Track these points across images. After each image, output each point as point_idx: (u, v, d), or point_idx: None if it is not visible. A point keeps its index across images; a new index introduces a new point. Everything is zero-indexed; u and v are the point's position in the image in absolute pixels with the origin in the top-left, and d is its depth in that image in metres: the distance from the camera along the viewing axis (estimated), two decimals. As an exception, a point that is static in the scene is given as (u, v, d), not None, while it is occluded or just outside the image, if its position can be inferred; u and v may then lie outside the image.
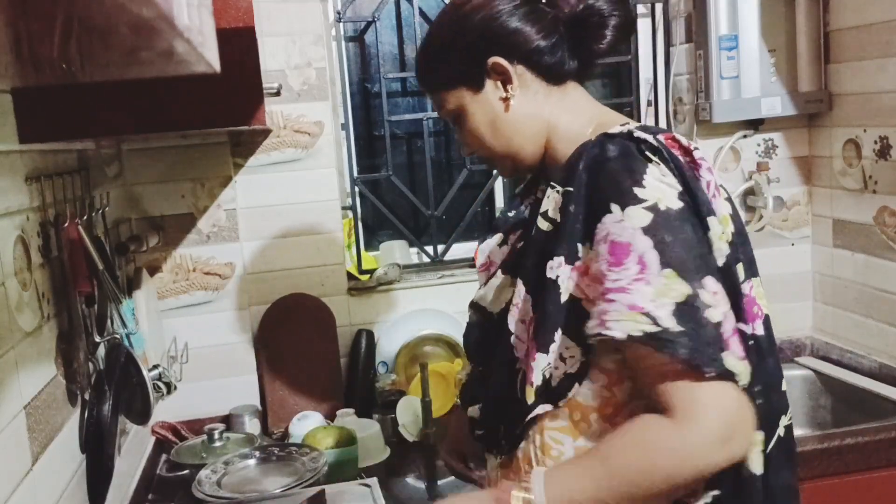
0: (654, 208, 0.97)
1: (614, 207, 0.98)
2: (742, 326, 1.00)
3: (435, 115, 2.43)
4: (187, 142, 2.10)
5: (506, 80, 1.13)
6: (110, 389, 1.52)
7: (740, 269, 1.03)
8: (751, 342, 1.01)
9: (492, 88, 1.14)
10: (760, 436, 1.01)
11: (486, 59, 1.12)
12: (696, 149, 1.05)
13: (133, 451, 1.87)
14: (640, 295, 0.95)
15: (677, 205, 0.99)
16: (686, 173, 1.01)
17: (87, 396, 1.49)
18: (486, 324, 1.20)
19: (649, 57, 2.52)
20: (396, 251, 2.44)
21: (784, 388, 1.07)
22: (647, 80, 2.54)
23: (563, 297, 1.03)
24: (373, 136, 2.50)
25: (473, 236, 2.55)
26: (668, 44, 2.50)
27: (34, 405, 1.24)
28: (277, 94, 1.94)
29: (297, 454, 1.85)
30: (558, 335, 1.04)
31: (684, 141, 1.06)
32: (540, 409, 1.07)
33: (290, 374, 2.19)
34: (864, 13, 2.15)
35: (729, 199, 1.08)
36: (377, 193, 2.47)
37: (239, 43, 1.36)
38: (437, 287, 2.33)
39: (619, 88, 2.61)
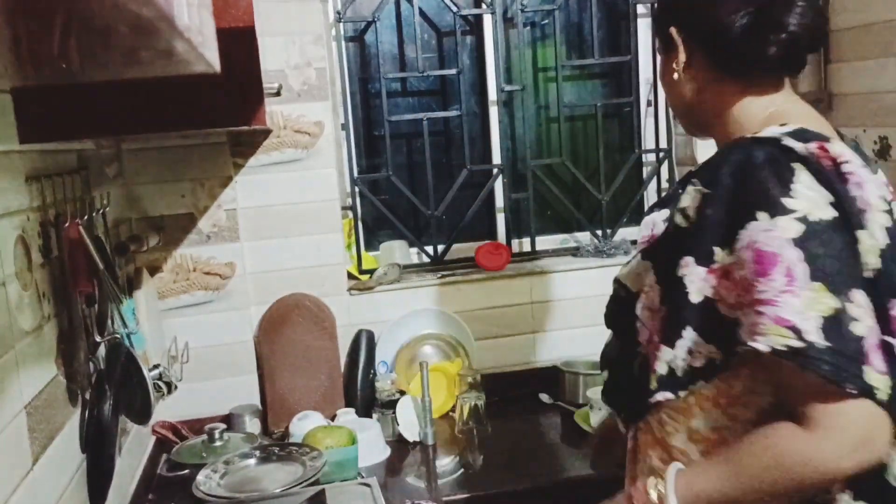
0: (804, 219, 0.97)
1: (761, 216, 0.98)
2: (888, 339, 1.00)
3: (435, 115, 2.43)
4: (187, 142, 2.10)
5: (676, 52, 1.16)
6: (111, 389, 1.52)
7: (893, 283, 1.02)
8: None
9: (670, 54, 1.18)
10: None
11: (668, 27, 1.16)
12: (846, 162, 1.03)
13: (133, 450, 1.87)
14: (788, 308, 0.95)
15: (828, 216, 0.98)
16: (836, 184, 1.00)
17: (87, 396, 1.50)
18: (623, 298, 1.22)
19: (649, 57, 2.52)
20: (396, 251, 2.44)
21: None
22: (647, 80, 2.55)
23: (694, 298, 1.05)
24: (373, 136, 2.51)
25: (473, 236, 2.55)
26: (668, 44, 2.49)
27: (34, 405, 1.25)
28: (277, 94, 1.94)
29: (297, 454, 1.85)
30: (688, 332, 1.06)
31: (835, 151, 1.03)
32: (660, 396, 1.10)
33: (290, 374, 2.19)
34: (864, 13, 2.15)
35: (890, 212, 1.05)
36: (377, 193, 2.47)
37: (239, 43, 1.36)
38: (437, 287, 2.33)
39: (619, 88, 2.61)
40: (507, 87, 2.46)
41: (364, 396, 2.20)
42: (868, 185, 1.02)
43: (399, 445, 2.05)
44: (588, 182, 2.52)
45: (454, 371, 2.21)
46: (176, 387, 1.83)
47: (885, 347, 0.98)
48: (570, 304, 2.38)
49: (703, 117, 1.20)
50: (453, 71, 2.43)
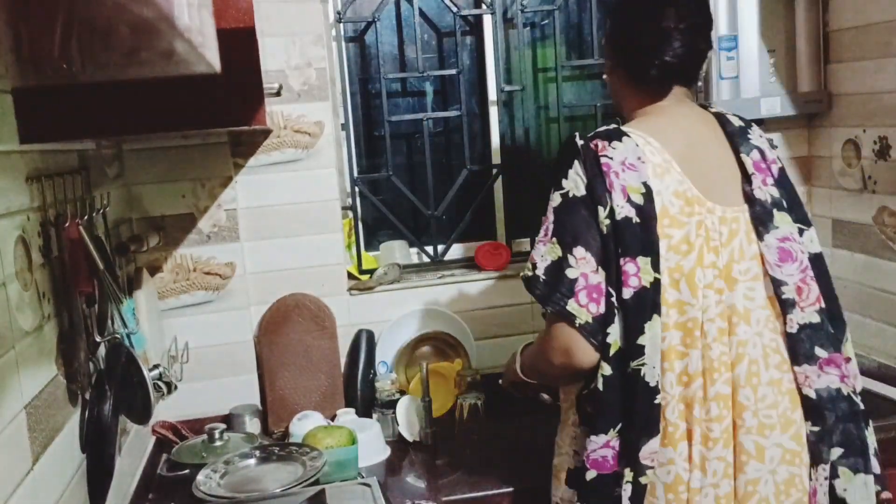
0: (565, 195, 1.41)
1: (552, 191, 1.44)
2: (611, 289, 1.37)
3: (435, 115, 2.44)
4: (187, 142, 2.10)
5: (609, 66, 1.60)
6: (111, 389, 1.52)
7: (619, 248, 1.36)
8: (613, 298, 1.37)
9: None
10: (607, 368, 1.37)
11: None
12: (605, 156, 1.40)
13: (133, 450, 1.87)
14: (537, 251, 1.43)
15: (580, 193, 1.40)
16: (592, 172, 1.39)
17: (87, 396, 1.50)
18: None
19: (649, 57, 2.52)
20: (396, 251, 2.44)
21: (641, 341, 1.35)
22: (647, 80, 2.54)
23: None
24: (373, 136, 2.51)
25: (473, 236, 2.55)
26: (668, 44, 2.50)
27: (35, 405, 1.25)
28: (278, 94, 1.94)
29: (298, 454, 1.85)
30: None
31: (601, 145, 1.41)
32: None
33: (290, 374, 2.19)
34: (864, 13, 2.16)
35: (648, 194, 1.38)
36: (377, 193, 2.47)
37: (239, 43, 1.36)
38: (437, 287, 2.33)
39: (619, 88, 2.61)
40: (507, 88, 2.46)
41: (364, 396, 2.20)
42: (624, 174, 1.38)
43: (399, 445, 2.05)
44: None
45: (454, 371, 2.21)
46: (176, 387, 1.83)
47: (607, 295, 1.37)
48: (569, 305, 2.38)
49: (617, 109, 1.63)
50: (453, 71, 2.44)
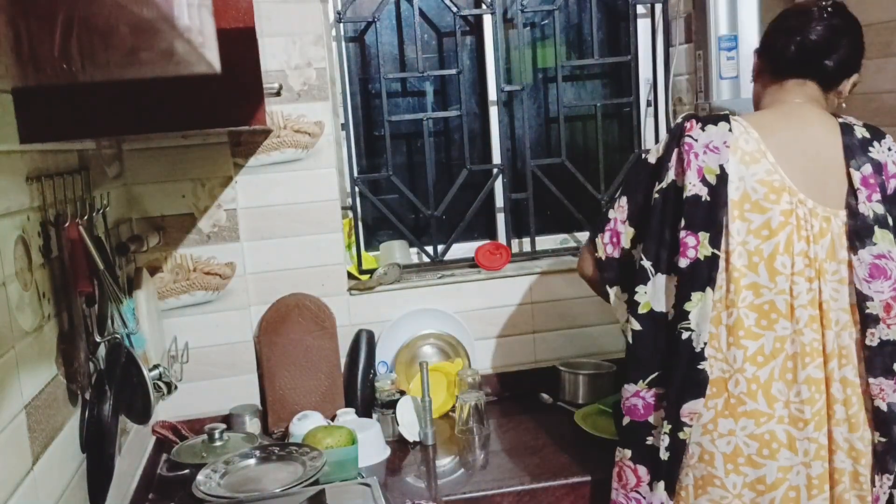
0: (640, 156, 1.64)
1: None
2: (644, 260, 1.54)
3: (435, 115, 2.44)
4: (187, 142, 2.10)
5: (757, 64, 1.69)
6: (111, 389, 1.52)
7: (682, 221, 1.49)
8: (646, 262, 1.54)
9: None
10: (636, 323, 1.55)
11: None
12: (689, 136, 1.51)
13: (133, 450, 1.87)
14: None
15: (653, 160, 1.57)
16: (669, 147, 1.53)
17: (87, 396, 1.50)
18: None
19: (649, 57, 2.53)
20: (396, 251, 2.44)
21: (687, 307, 1.49)
22: (647, 80, 2.55)
23: None
24: (373, 136, 2.51)
25: (473, 236, 2.55)
26: (668, 44, 2.50)
27: (35, 405, 1.25)
28: (278, 94, 1.94)
29: (298, 454, 1.85)
30: None
31: (690, 125, 1.52)
32: None
33: (290, 374, 2.19)
34: (864, 13, 2.15)
35: (722, 177, 1.48)
36: (377, 193, 2.47)
37: (239, 43, 1.36)
38: (437, 287, 2.33)
39: (620, 88, 2.61)
40: (507, 88, 2.46)
41: (364, 396, 2.20)
42: (704, 156, 1.49)
43: (399, 445, 2.05)
44: (588, 182, 2.52)
45: (454, 371, 2.22)
46: (176, 387, 1.82)
47: (624, 250, 1.60)
48: (570, 304, 2.38)
49: (756, 107, 1.69)
50: (453, 71, 2.43)
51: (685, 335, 1.49)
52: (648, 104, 2.55)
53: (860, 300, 1.48)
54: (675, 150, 1.52)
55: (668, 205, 1.52)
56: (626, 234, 1.59)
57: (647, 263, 1.53)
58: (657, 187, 1.53)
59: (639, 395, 1.55)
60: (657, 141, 2.54)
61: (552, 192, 2.51)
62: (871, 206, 1.50)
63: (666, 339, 1.52)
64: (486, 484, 1.82)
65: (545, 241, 2.56)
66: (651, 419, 1.55)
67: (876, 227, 1.49)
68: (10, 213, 1.22)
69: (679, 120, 1.60)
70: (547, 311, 2.39)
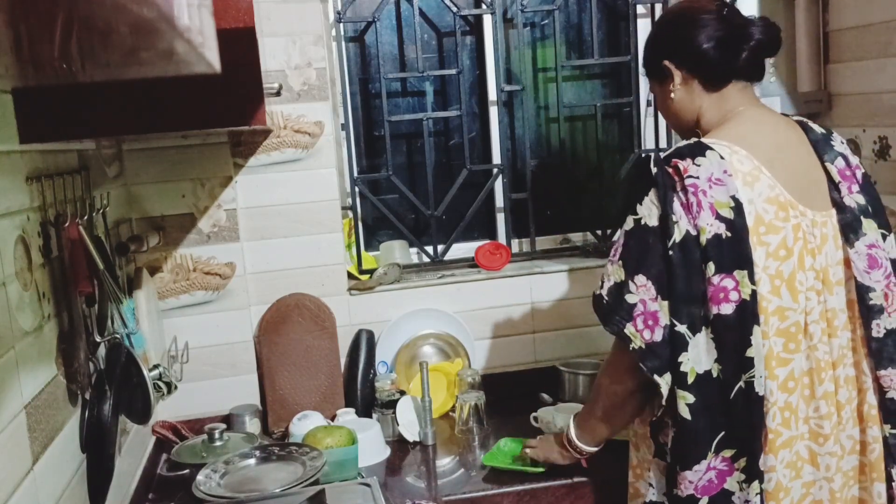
0: (638, 221, 1.42)
1: (627, 216, 1.45)
2: (676, 323, 1.39)
3: (435, 115, 2.44)
4: (187, 142, 2.10)
5: (671, 78, 1.54)
6: (111, 389, 1.52)
7: (711, 266, 1.37)
8: (681, 328, 1.40)
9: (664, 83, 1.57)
10: (689, 396, 1.40)
11: (661, 62, 1.55)
12: (690, 176, 1.38)
13: (133, 450, 1.87)
14: (606, 270, 1.47)
15: (653, 223, 1.41)
16: (667, 197, 1.39)
17: (87, 396, 1.50)
18: None
19: (649, 57, 2.52)
20: (396, 251, 2.44)
21: (750, 353, 1.38)
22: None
23: None
24: (373, 136, 2.51)
25: (473, 236, 2.55)
26: (668, 44, 2.50)
27: (34, 405, 1.25)
28: (278, 94, 1.94)
29: (298, 454, 1.85)
30: None
31: (683, 166, 1.39)
32: None
33: (290, 374, 2.19)
34: (864, 13, 2.16)
35: (737, 208, 1.37)
36: (377, 193, 2.47)
37: (239, 43, 1.36)
38: (437, 287, 2.33)
39: (619, 88, 2.61)
40: (507, 87, 2.46)
41: (364, 396, 2.20)
42: (711, 191, 1.37)
43: (399, 445, 2.05)
44: (588, 182, 2.52)
45: (454, 371, 2.22)
46: (176, 387, 1.83)
47: (669, 326, 1.39)
48: (570, 304, 2.38)
49: (688, 124, 1.57)
50: (453, 71, 2.44)
51: (755, 384, 1.38)
52: (648, 104, 2.55)
53: (862, 292, 1.44)
54: (676, 198, 1.38)
55: (688, 256, 1.37)
56: (663, 309, 1.40)
57: (682, 328, 1.38)
58: (669, 243, 1.38)
59: (711, 468, 1.41)
60: (657, 141, 2.55)
61: (552, 192, 2.51)
62: (853, 197, 1.47)
63: (720, 396, 1.39)
64: (486, 484, 1.82)
65: (545, 241, 2.57)
66: (727, 485, 1.42)
67: (862, 218, 1.46)
68: (10, 213, 1.22)
69: (654, 168, 1.40)
70: (547, 311, 2.39)
